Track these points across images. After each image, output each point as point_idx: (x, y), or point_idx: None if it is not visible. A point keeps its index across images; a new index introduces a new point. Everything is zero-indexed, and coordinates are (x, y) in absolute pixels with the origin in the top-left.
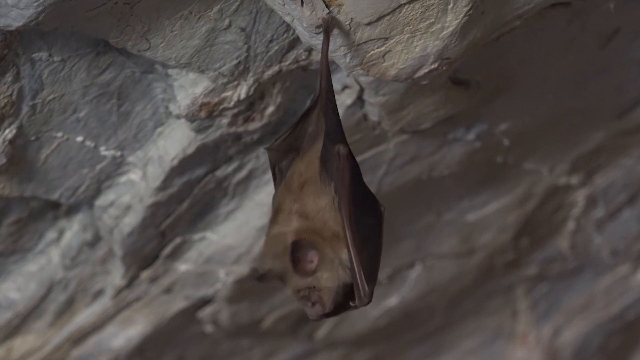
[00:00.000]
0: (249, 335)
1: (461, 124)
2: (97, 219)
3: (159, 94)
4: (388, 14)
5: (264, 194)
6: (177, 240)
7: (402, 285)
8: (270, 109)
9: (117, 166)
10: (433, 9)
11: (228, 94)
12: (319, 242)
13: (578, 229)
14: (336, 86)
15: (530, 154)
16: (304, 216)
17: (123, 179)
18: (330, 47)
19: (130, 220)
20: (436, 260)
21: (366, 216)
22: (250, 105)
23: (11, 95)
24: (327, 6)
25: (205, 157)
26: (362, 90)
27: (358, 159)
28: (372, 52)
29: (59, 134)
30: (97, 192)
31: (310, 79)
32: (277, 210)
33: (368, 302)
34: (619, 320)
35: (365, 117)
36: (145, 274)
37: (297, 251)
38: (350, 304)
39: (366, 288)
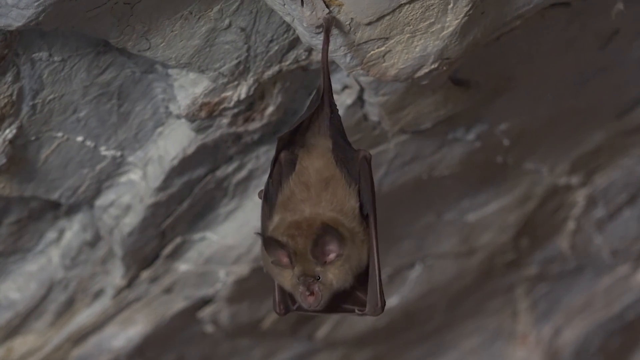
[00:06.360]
0: (249, 335)
1: (461, 124)
2: (97, 219)
3: (159, 94)
4: (388, 14)
5: None
6: (177, 240)
7: (402, 285)
8: (270, 109)
9: (117, 166)
10: (433, 9)
11: (228, 94)
12: (346, 238)
13: (578, 229)
14: (336, 86)
15: (530, 154)
16: (333, 210)
17: (123, 179)
18: (330, 47)
19: (131, 220)
20: (436, 260)
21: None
22: (250, 105)
23: (11, 95)
24: (327, 6)
25: (205, 157)
26: (362, 90)
27: None
28: (372, 52)
29: (59, 134)
30: (97, 192)
31: (310, 79)
32: (289, 197)
33: (380, 313)
34: (619, 320)
35: (365, 117)
36: (145, 274)
37: (324, 235)
38: (357, 310)
39: (384, 299)
